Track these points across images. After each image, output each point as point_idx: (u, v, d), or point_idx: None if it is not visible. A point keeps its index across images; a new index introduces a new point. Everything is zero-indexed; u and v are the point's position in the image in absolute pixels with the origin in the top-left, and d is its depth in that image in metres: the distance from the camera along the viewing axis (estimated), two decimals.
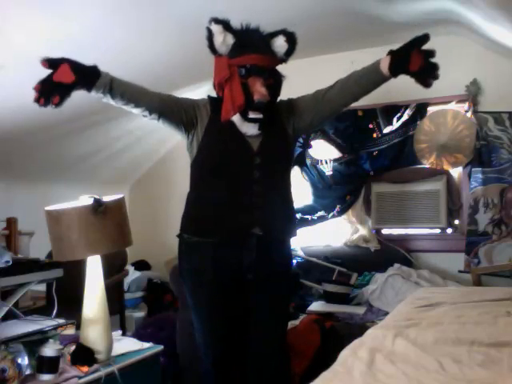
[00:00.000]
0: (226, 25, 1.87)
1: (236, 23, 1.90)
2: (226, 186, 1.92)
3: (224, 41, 1.86)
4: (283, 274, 2.04)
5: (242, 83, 1.85)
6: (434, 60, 1.79)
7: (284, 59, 1.95)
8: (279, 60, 1.94)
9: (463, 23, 2.92)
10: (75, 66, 1.75)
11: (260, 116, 1.88)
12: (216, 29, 1.86)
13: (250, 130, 1.91)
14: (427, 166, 3.34)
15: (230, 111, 1.86)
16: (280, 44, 1.90)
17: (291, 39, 1.91)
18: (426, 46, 1.83)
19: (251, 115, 1.88)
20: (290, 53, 1.94)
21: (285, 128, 2.00)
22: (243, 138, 1.92)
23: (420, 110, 3.36)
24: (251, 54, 1.86)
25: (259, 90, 1.85)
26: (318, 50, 3.57)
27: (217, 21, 1.86)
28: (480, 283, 3.03)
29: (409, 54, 1.81)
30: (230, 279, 1.95)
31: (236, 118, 1.90)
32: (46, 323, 1.89)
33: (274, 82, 1.91)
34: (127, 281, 3.65)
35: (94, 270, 1.89)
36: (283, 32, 1.90)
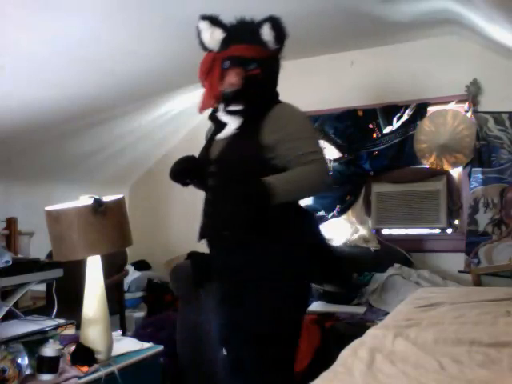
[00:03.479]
0: (213, 20, 1.86)
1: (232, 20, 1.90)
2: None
3: (212, 36, 1.85)
4: (250, 284, 1.79)
5: (223, 75, 1.82)
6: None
7: (278, 48, 1.86)
8: (272, 49, 1.86)
9: (463, 23, 2.92)
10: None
11: (237, 108, 1.83)
12: (203, 25, 1.86)
13: (232, 126, 1.86)
14: (427, 166, 3.34)
15: (206, 103, 1.86)
16: (267, 32, 1.82)
17: (276, 25, 1.81)
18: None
19: (230, 107, 1.85)
20: (279, 39, 1.84)
21: (258, 132, 1.79)
22: (210, 145, 1.92)
23: (420, 109, 3.36)
24: (235, 45, 1.83)
25: (228, 80, 1.80)
26: (318, 49, 3.57)
27: (204, 17, 1.86)
28: (480, 283, 3.02)
29: None
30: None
31: (222, 115, 1.90)
32: (46, 323, 1.89)
33: (263, 73, 1.83)
34: (127, 281, 3.65)
35: (94, 269, 1.89)
36: (268, 19, 1.83)
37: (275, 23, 1.82)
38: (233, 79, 1.80)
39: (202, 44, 1.90)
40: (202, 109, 1.88)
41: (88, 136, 3.46)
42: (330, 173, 3.56)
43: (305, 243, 1.85)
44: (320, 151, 1.79)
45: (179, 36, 2.64)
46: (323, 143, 3.61)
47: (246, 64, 1.81)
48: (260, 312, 1.78)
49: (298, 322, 1.89)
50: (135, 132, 3.80)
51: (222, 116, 1.89)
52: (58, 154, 3.46)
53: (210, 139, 1.96)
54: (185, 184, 1.98)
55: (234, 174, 1.80)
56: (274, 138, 1.76)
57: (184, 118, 3.94)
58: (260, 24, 1.84)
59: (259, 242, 1.78)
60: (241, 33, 1.85)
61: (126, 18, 2.40)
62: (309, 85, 3.65)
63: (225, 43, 1.85)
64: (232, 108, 1.84)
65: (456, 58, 3.29)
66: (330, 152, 3.60)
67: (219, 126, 1.93)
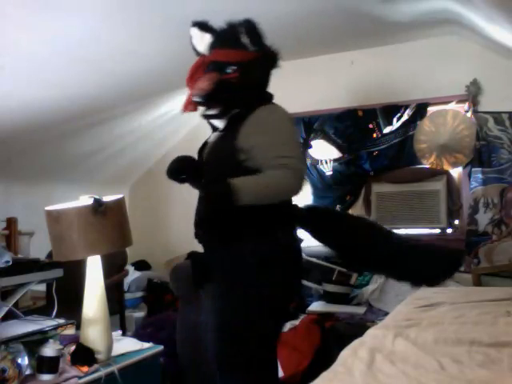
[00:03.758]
0: (202, 25, 1.88)
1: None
2: None
3: (202, 41, 1.87)
4: (226, 285, 1.79)
5: None
6: None
7: (257, 50, 1.83)
8: (252, 52, 1.83)
9: (463, 23, 2.93)
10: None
11: (211, 112, 1.84)
12: (193, 31, 1.88)
13: (220, 129, 1.89)
14: (427, 166, 3.34)
15: (186, 105, 1.86)
16: (243, 35, 1.81)
17: (249, 28, 1.80)
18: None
19: (206, 112, 1.86)
20: (254, 42, 1.81)
21: (236, 134, 1.78)
22: (204, 147, 1.94)
23: (420, 109, 3.37)
24: (217, 49, 1.85)
25: (197, 85, 1.80)
26: (318, 49, 3.57)
27: (194, 24, 1.88)
28: (480, 283, 3.02)
29: None
30: None
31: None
32: (46, 323, 1.89)
33: (241, 76, 1.81)
34: (127, 281, 3.65)
35: (94, 269, 1.89)
36: (242, 23, 1.81)
37: (249, 27, 1.81)
38: (202, 84, 1.79)
39: (194, 49, 1.92)
40: (184, 110, 1.89)
41: (88, 136, 3.46)
42: (330, 172, 3.57)
43: (287, 247, 1.83)
44: (294, 156, 1.75)
45: (179, 36, 2.63)
46: (322, 143, 3.62)
47: (224, 68, 1.81)
48: (231, 311, 1.76)
49: (273, 325, 1.83)
50: (135, 132, 3.80)
51: (209, 119, 1.92)
52: (58, 154, 3.46)
53: (206, 141, 1.98)
54: (181, 181, 1.97)
55: (212, 175, 1.81)
56: (250, 140, 1.75)
57: (184, 118, 3.94)
58: (238, 27, 1.83)
59: (236, 243, 1.76)
60: (226, 37, 1.86)
61: (126, 18, 2.40)
62: (309, 85, 3.65)
63: (212, 47, 1.87)
64: (208, 112, 1.85)
65: (456, 58, 3.29)
66: (330, 152, 3.61)
67: (213, 128, 1.95)
